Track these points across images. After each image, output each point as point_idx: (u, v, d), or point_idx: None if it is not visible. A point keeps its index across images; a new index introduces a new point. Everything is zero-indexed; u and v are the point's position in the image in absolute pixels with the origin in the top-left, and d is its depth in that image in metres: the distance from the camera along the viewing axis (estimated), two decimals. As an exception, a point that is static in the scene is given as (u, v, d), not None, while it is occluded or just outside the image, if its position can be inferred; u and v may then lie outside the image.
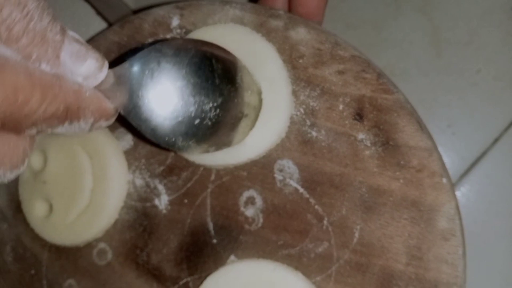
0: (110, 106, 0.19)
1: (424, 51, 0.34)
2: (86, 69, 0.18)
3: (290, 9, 0.28)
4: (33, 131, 0.17)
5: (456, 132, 0.33)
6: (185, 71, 0.21)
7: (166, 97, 0.21)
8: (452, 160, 0.33)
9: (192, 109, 0.21)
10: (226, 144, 0.24)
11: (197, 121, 0.22)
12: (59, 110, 0.17)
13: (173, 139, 0.21)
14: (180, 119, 0.21)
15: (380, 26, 0.35)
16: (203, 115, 0.22)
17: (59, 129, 0.18)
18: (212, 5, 0.27)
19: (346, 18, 0.35)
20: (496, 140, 0.32)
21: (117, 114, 0.20)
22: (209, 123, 0.22)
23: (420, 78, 0.34)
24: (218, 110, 0.22)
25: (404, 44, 0.34)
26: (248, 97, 0.24)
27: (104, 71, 0.18)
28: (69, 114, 0.17)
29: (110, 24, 0.38)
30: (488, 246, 0.32)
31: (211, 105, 0.22)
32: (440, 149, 0.24)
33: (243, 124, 0.24)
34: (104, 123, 0.20)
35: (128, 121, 0.20)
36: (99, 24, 0.40)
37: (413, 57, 0.34)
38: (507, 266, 0.32)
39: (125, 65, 0.20)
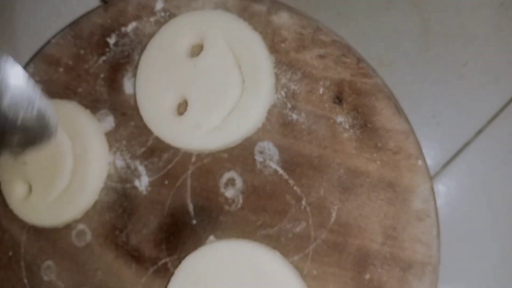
0: None
1: (413, 42, 0.34)
2: None
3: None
4: None
5: (441, 123, 0.33)
6: None
7: None
8: (435, 150, 0.33)
9: None
10: None
11: None
12: None
13: None
14: None
15: (371, 16, 0.35)
16: None
17: None
18: (196, -12, 0.28)
19: (338, 7, 0.35)
20: (479, 132, 0.33)
21: None
22: None
23: (408, 69, 0.34)
24: None
25: (394, 35, 0.34)
26: None
27: None
28: None
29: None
30: (466, 235, 0.32)
31: None
32: (424, 139, 0.25)
33: None
34: None
35: None
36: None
37: (402, 48, 0.34)
38: (483, 255, 0.32)
39: None
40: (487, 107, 0.33)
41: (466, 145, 0.33)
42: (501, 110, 0.33)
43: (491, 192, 0.33)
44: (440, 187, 0.33)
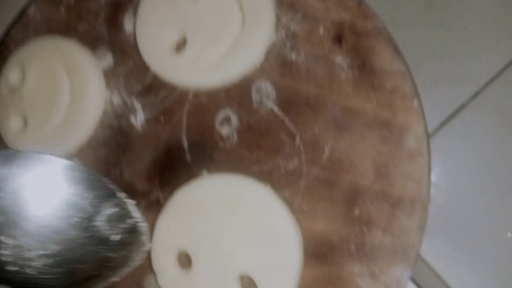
0: None
1: (415, 3, 0.34)
2: None
3: None
4: None
5: (439, 85, 0.34)
6: None
7: None
8: (431, 110, 0.33)
9: None
10: None
11: None
12: None
13: None
14: None
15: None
16: None
17: None
18: None
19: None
20: (476, 94, 0.33)
21: None
22: None
23: (409, 29, 0.34)
24: None
25: (396, -5, 0.34)
26: None
27: None
28: None
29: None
30: (458, 194, 0.33)
31: None
32: (421, 99, 0.25)
33: None
34: None
35: None
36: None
37: (404, 8, 0.34)
38: (471, 212, 0.32)
39: None
40: (485, 70, 0.33)
41: (462, 106, 0.33)
42: (499, 73, 0.33)
43: (485, 154, 0.33)
44: (435, 147, 0.33)
